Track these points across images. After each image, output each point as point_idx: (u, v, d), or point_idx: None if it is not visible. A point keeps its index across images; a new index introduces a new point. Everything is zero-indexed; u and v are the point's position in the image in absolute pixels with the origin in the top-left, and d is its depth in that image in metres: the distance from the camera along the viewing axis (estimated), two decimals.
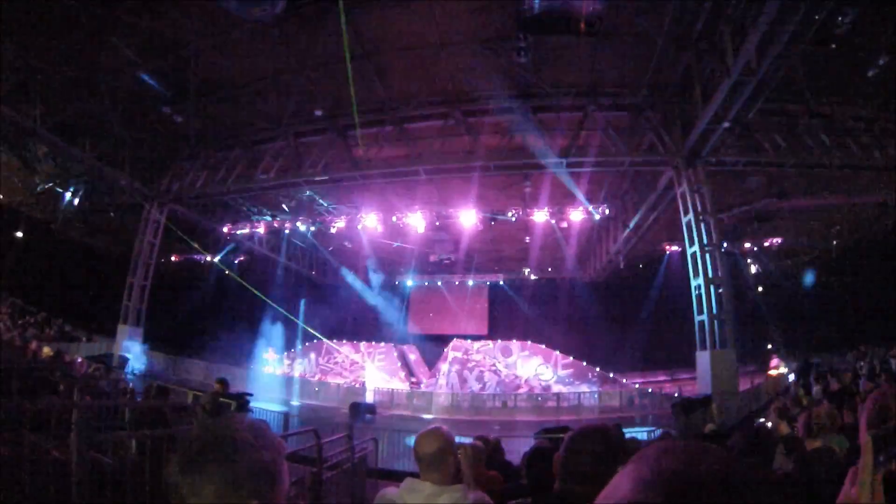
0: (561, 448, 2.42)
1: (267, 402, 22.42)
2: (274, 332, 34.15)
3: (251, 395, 15.08)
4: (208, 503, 1.22)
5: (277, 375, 29.39)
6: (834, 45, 11.40)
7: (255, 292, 35.73)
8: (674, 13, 13.56)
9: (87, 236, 32.32)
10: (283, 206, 27.10)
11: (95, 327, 28.64)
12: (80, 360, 17.97)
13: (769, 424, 8.85)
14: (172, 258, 34.78)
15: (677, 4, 13.29)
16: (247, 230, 27.99)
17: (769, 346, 27.69)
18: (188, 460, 1.28)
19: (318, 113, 19.88)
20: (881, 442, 2.12)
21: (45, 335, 23.69)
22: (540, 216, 24.01)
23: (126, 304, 22.87)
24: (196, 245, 30.19)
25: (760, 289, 30.86)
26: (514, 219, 24.31)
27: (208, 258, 34.34)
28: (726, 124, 14.99)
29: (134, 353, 22.28)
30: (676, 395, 20.94)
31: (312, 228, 27.62)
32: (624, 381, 26.54)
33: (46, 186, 24.09)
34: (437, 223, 25.59)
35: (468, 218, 24.36)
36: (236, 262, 35.75)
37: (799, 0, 9.68)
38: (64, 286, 29.90)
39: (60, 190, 24.46)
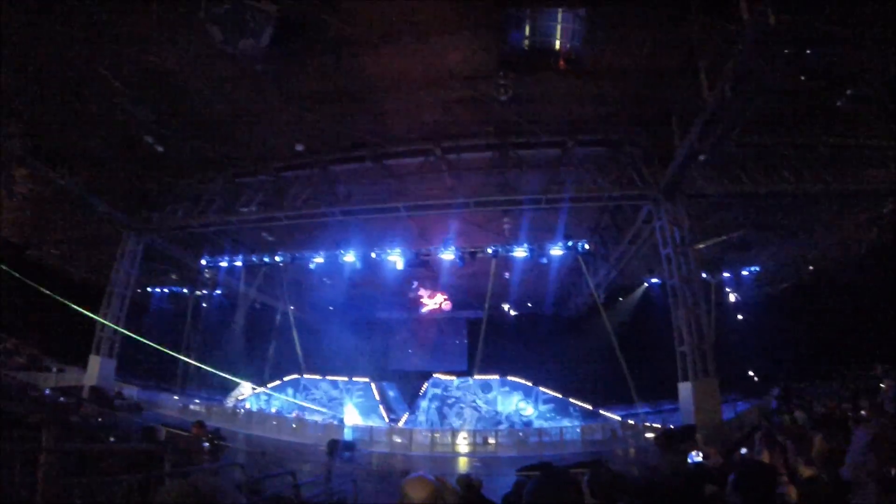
0: (524, 501, 2.34)
1: (244, 438, 21.99)
2: (250, 366, 33.59)
3: (218, 427, 14.85)
4: None
5: (254, 411, 28.77)
6: (804, 78, 11.83)
7: (232, 326, 35.32)
8: (651, 49, 13.95)
9: (63, 263, 31.72)
10: (264, 236, 26.84)
11: (68, 357, 27.78)
12: (48, 391, 17.46)
13: (758, 454, 8.82)
14: (149, 289, 34.26)
15: (654, 41, 13.68)
16: (225, 263, 27.67)
17: (750, 373, 27.89)
18: None
19: (300, 148, 19.94)
20: None
21: (12, 363, 22.99)
22: (520, 252, 24.12)
23: (100, 335, 22.30)
24: (173, 277, 29.80)
25: (740, 317, 31.19)
26: (493, 255, 24.38)
27: (185, 290, 33.88)
28: (703, 157, 15.35)
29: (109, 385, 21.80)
30: (660, 426, 20.88)
31: (292, 263, 27.46)
32: (606, 414, 26.43)
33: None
34: (417, 259, 25.58)
35: (448, 254, 24.41)
36: (214, 294, 35.34)
37: (769, 37, 10.05)
38: (36, 313, 29.11)
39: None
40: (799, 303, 29.09)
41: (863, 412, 9.45)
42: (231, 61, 14.52)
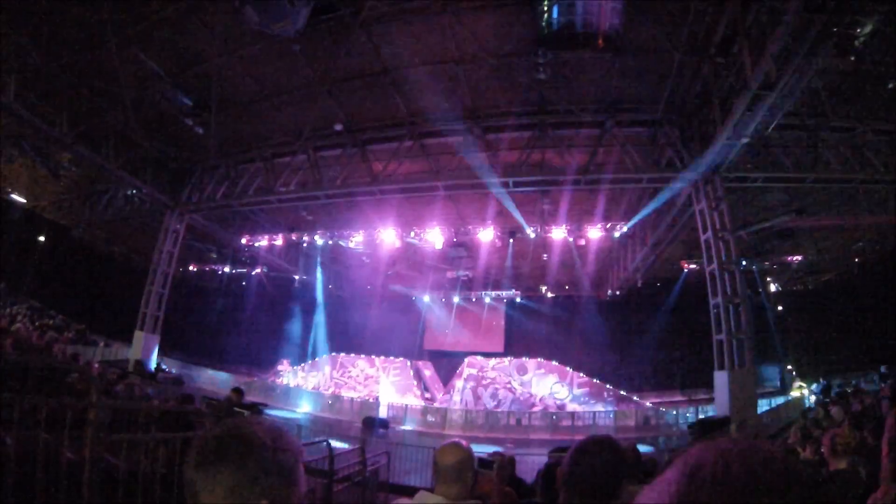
0: (565, 460, 2.31)
1: (280, 413, 22.47)
2: (289, 343, 34.27)
3: (265, 405, 15.12)
4: (221, 500, 1.21)
5: (291, 387, 29.39)
6: (853, 58, 11.24)
7: (271, 304, 36.02)
8: (691, 27, 13.50)
9: (108, 243, 32.91)
10: (303, 215, 27.17)
11: (113, 333, 28.93)
12: (96, 364, 18.12)
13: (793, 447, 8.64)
14: (190, 267, 35.23)
15: (694, 18, 13.24)
16: (265, 242, 28.16)
17: (788, 367, 27.21)
18: (204, 457, 1.27)
19: (338, 127, 20.02)
20: None
21: (62, 338, 23.96)
22: (558, 233, 23.91)
23: (143, 311, 23.07)
24: (214, 255, 30.47)
25: (780, 308, 30.36)
26: (532, 236, 24.21)
27: (226, 269, 34.69)
28: (745, 140, 14.83)
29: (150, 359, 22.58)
30: (694, 414, 20.60)
31: (330, 242, 27.79)
32: (640, 400, 26.18)
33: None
34: (455, 239, 25.61)
35: (486, 234, 24.35)
36: (253, 273, 36.11)
37: (817, 12, 9.60)
38: (83, 291, 30.32)
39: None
40: (842, 296, 28.16)
41: None
42: (266, 40, 14.62)
